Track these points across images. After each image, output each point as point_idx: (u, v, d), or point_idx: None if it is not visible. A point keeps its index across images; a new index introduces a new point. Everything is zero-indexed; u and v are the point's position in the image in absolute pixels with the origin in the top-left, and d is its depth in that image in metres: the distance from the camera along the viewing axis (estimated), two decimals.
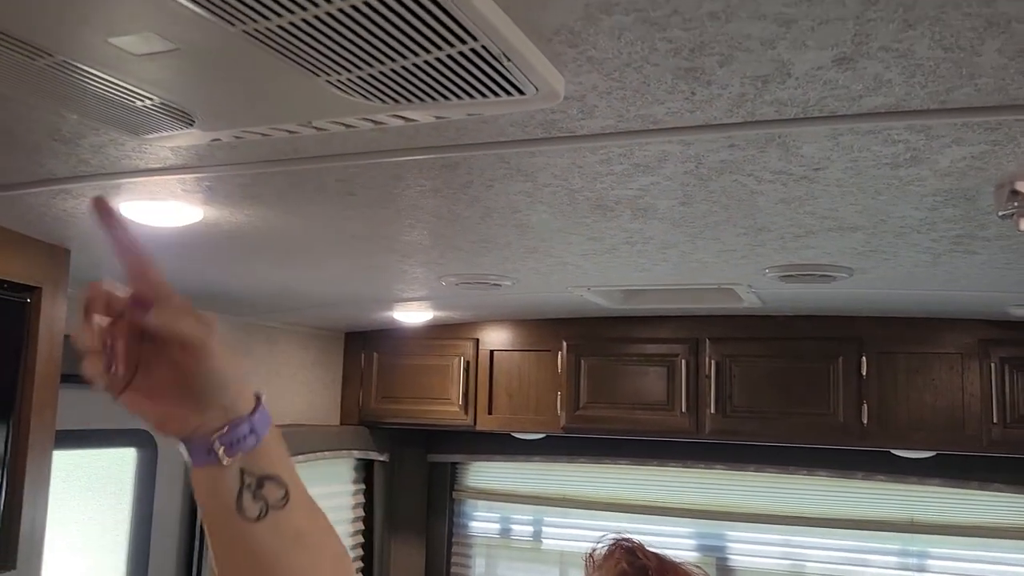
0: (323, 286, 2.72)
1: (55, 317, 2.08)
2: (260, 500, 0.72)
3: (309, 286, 2.71)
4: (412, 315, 3.33)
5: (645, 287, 2.63)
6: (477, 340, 3.57)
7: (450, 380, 3.57)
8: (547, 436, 3.56)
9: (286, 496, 0.73)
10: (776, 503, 3.38)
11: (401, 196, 1.60)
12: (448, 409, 3.55)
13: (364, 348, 3.76)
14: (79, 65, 0.92)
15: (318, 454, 3.46)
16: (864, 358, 2.94)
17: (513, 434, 3.61)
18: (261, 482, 0.72)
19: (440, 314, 3.35)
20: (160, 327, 0.68)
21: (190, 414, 0.71)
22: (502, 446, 3.76)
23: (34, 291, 2.03)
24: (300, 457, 3.34)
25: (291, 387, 3.56)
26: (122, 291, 0.70)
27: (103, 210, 0.71)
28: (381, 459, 3.85)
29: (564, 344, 3.38)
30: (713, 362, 3.12)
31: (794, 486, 3.35)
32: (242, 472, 0.72)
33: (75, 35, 0.85)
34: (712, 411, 3.09)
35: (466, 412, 3.52)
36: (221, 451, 0.71)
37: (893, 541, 3.23)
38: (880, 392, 2.91)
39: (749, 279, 2.34)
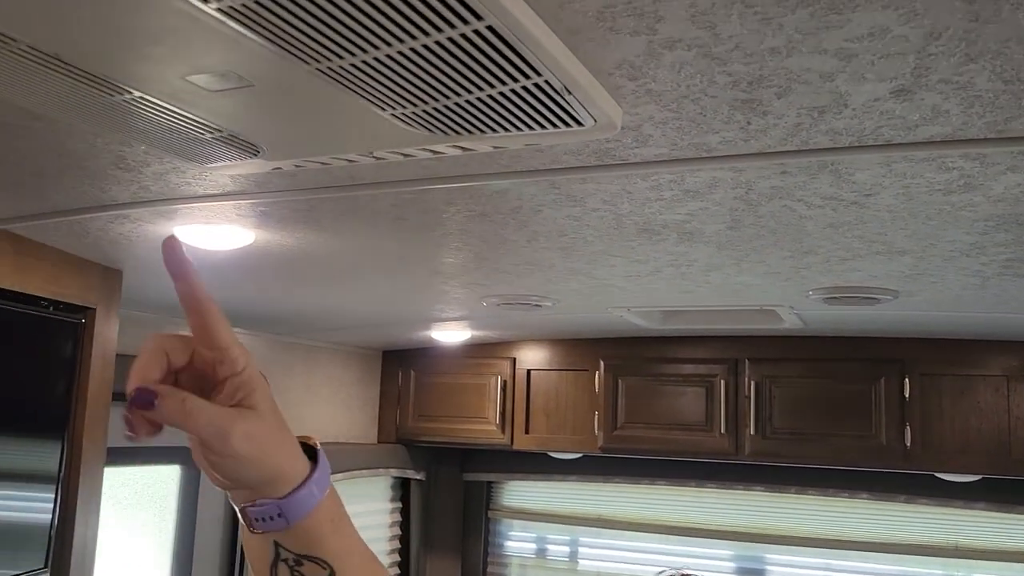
0: (366, 306, 2.76)
1: (108, 337, 2.13)
2: (299, 571, 0.68)
3: (352, 306, 2.75)
4: (450, 334, 3.36)
5: (686, 308, 2.63)
6: (514, 359, 3.58)
7: (487, 399, 3.58)
8: (584, 456, 3.56)
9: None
10: (817, 526, 3.35)
11: (451, 220, 1.62)
12: (485, 428, 3.57)
13: (401, 367, 3.80)
14: (156, 101, 0.96)
15: (356, 472, 3.49)
16: (907, 380, 2.91)
17: (549, 453, 3.62)
18: (300, 560, 0.68)
19: (478, 333, 3.37)
20: (167, 421, 0.62)
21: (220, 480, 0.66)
22: (538, 465, 3.76)
23: (88, 312, 2.08)
24: (339, 475, 3.37)
25: (331, 405, 3.59)
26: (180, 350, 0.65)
27: (176, 259, 0.65)
28: (418, 477, 3.87)
29: (602, 364, 3.39)
30: (753, 383, 3.10)
31: (835, 509, 3.32)
32: (277, 545, 0.68)
33: (155, 74, 0.89)
34: (752, 432, 3.08)
35: (503, 431, 3.53)
36: (248, 522, 0.67)
37: (936, 566, 3.18)
38: (924, 414, 2.88)
39: (792, 301, 2.34)
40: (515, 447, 3.53)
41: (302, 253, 1.94)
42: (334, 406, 3.62)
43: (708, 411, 3.17)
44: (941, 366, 2.89)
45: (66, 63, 0.87)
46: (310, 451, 0.69)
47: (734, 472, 3.39)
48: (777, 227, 1.56)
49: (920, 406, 2.89)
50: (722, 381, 3.16)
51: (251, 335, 3.17)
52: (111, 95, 0.95)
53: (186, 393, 0.63)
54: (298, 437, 0.69)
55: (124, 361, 2.42)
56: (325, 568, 0.68)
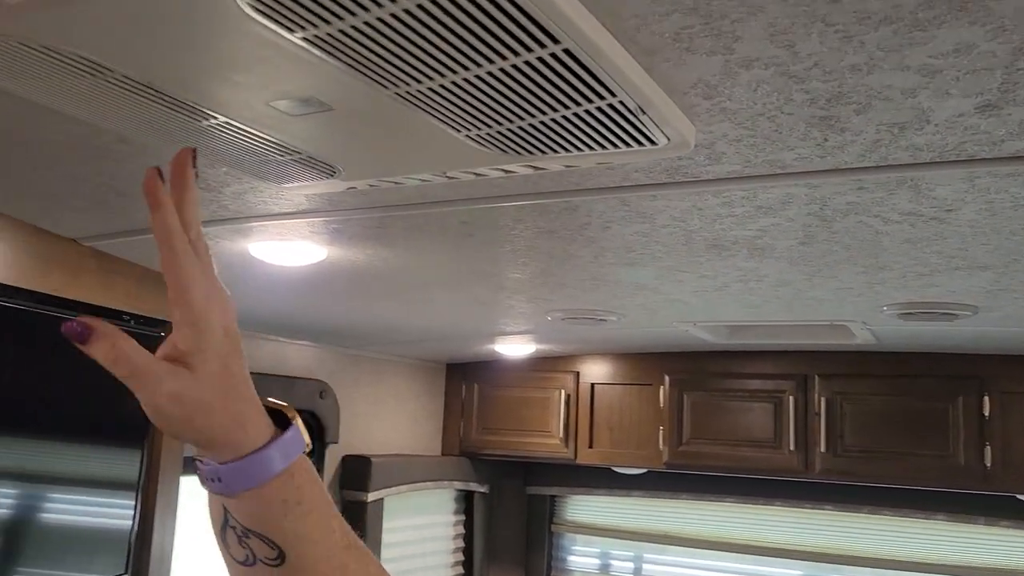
0: (431, 320, 2.79)
1: None
2: (246, 548, 0.65)
3: (418, 320, 2.78)
4: (514, 348, 3.37)
5: (753, 323, 2.59)
6: (577, 373, 3.57)
7: (550, 413, 3.58)
8: (648, 471, 3.52)
9: (280, 559, 0.64)
10: (891, 547, 3.25)
11: (519, 237, 1.63)
12: (548, 442, 3.56)
13: (465, 380, 3.82)
14: (239, 125, 0.99)
15: (420, 484, 3.52)
16: (987, 397, 2.81)
17: (613, 468, 3.59)
18: (247, 533, 0.64)
19: (541, 347, 3.37)
20: (95, 358, 0.59)
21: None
22: (602, 480, 3.74)
23: (164, 325, 2.15)
24: (404, 487, 3.41)
25: (396, 417, 3.63)
26: None
27: (153, 188, 0.60)
28: (481, 490, 3.88)
29: (666, 378, 3.35)
30: (823, 399, 3.04)
31: (910, 530, 3.22)
32: (226, 511, 0.65)
33: (241, 100, 0.92)
34: (822, 450, 3.01)
35: (566, 445, 3.52)
36: (199, 477, 0.64)
37: None
38: (1004, 434, 2.78)
39: (865, 316, 2.28)
40: (579, 461, 3.52)
41: (371, 268, 1.98)
42: (399, 418, 3.65)
43: (776, 427, 3.12)
44: (1023, 384, 2.79)
45: (157, 91, 0.90)
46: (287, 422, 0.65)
47: (803, 490, 3.32)
48: (852, 243, 1.53)
49: (1001, 425, 2.79)
50: (791, 397, 3.10)
51: (318, 348, 3.22)
52: (198, 120, 0.98)
53: (122, 336, 0.60)
54: (275, 406, 0.66)
55: None
56: (273, 549, 0.64)
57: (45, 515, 1.85)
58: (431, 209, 1.45)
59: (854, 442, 2.98)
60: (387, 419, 3.58)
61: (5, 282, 1.60)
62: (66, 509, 1.93)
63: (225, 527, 0.65)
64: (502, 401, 3.70)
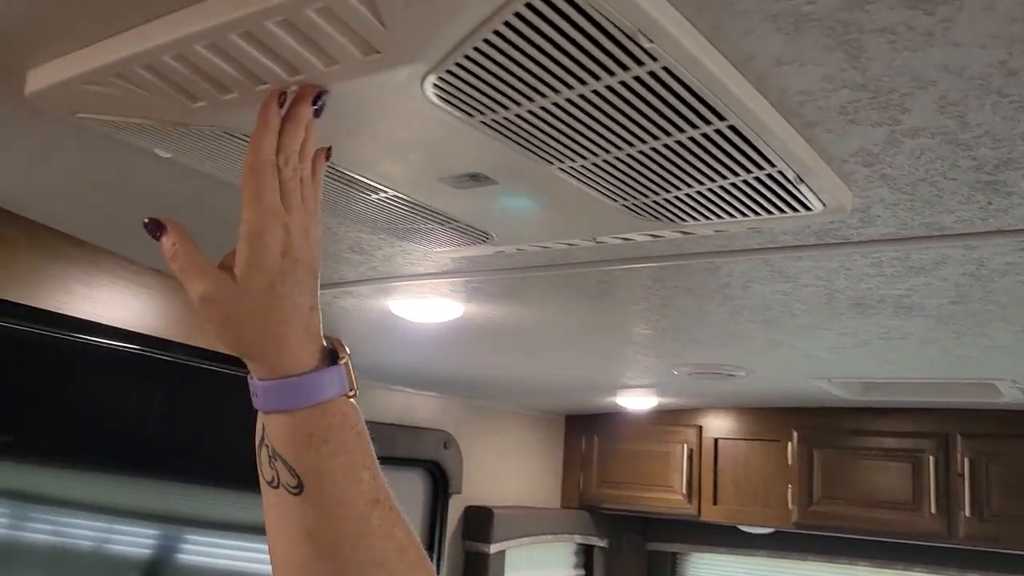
0: (556, 373, 2.81)
1: None
2: (274, 469, 0.66)
3: (543, 373, 2.81)
4: (635, 401, 3.35)
5: (891, 380, 2.50)
6: (700, 427, 3.51)
7: (673, 467, 3.52)
8: (776, 531, 3.41)
9: (299, 488, 0.65)
10: None
11: (655, 295, 1.64)
12: (671, 497, 3.50)
13: (585, 432, 3.81)
14: (406, 197, 1.04)
15: (540, 537, 3.51)
16: None
17: (739, 527, 3.49)
18: (275, 454, 0.66)
19: (663, 400, 3.34)
20: (163, 253, 0.67)
21: None
22: (727, 538, 3.64)
23: None
24: (525, 539, 3.41)
25: (517, 469, 3.65)
26: None
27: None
28: (601, 544, 3.84)
29: (794, 434, 3.26)
30: (967, 459, 2.88)
31: None
32: (263, 427, 0.67)
33: (412, 175, 0.98)
34: (967, 514, 2.85)
35: (690, 501, 3.45)
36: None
37: None
38: None
39: (1015, 375, 2.17)
40: (702, 518, 3.44)
41: (504, 324, 2.02)
42: (520, 470, 3.67)
43: (915, 489, 2.97)
44: None
45: (333, 167, 0.97)
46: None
47: (947, 556, 3.13)
48: (1008, 302, 1.47)
49: None
50: (931, 457, 2.95)
51: (443, 398, 3.29)
52: (368, 195, 1.05)
53: (184, 237, 0.66)
54: (333, 343, 0.68)
55: None
56: (294, 477, 0.65)
57: (185, 556, 1.94)
58: (572, 270, 1.48)
59: (1002, 507, 2.81)
60: (508, 470, 3.60)
61: (159, 335, 1.71)
62: (205, 551, 2.02)
63: (261, 444, 0.68)
64: (622, 454, 3.67)
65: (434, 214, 1.11)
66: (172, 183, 1.18)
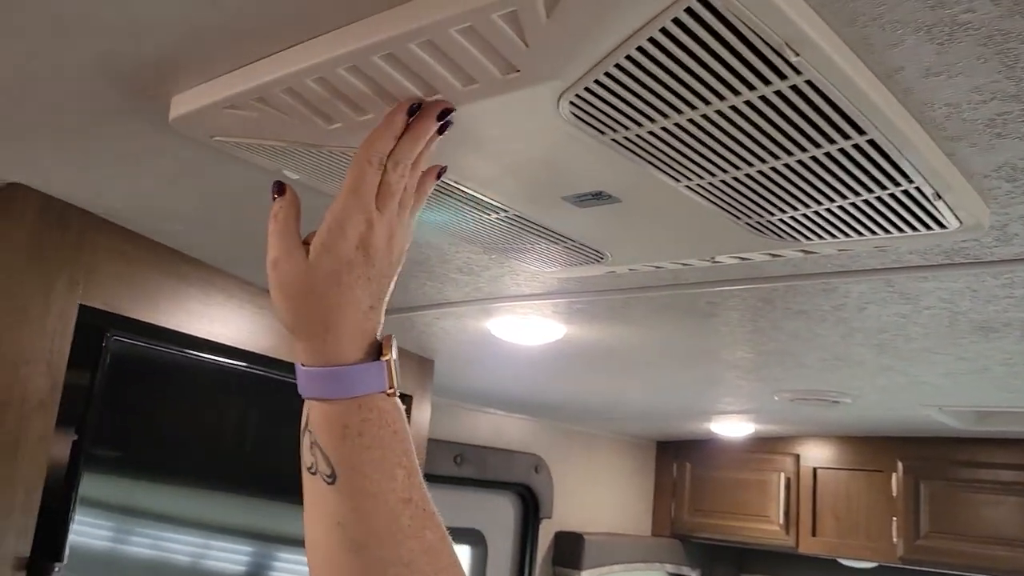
0: (650, 396, 2.77)
1: (421, 423, 2.30)
2: (314, 456, 0.67)
3: (637, 396, 2.77)
4: (731, 427, 3.27)
5: (1010, 409, 2.38)
6: (797, 456, 3.41)
7: (769, 497, 3.42)
8: (880, 566, 3.27)
9: (333, 477, 0.66)
10: None
11: (765, 317, 1.61)
12: (767, 528, 3.40)
13: (677, 458, 3.74)
14: (528, 219, 1.05)
15: (630, 565, 3.45)
16: None
17: (840, 560, 3.36)
18: (314, 441, 0.67)
19: (760, 427, 3.26)
20: (270, 213, 0.71)
21: None
22: (827, 572, 3.51)
23: (407, 399, 2.27)
24: (616, 567, 3.36)
25: (607, 495, 3.61)
26: None
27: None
28: (693, 575, 3.75)
29: (899, 465, 3.13)
30: None
31: None
32: (307, 412, 0.68)
33: (536, 195, 0.98)
34: None
35: (787, 532, 3.35)
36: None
37: None
38: None
39: None
40: (800, 550, 3.33)
41: (604, 346, 2.00)
42: (610, 495, 3.62)
43: None
44: None
45: (455, 185, 0.98)
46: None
47: None
48: None
49: None
50: None
51: (533, 421, 3.28)
52: (488, 214, 1.05)
53: (290, 208, 0.70)
54: (384, 340, 0.68)
55: (435, 445, 2.61)
56: (329, 467, 0.66)
57: (277, 574, 1.96)
58: (681, 290, 1.46)
59: None
60: (598, 496, 3.56)
61: (269, 354, 1.75)
62: (296, 569, 2.04)
63: (304, 429, 0.68)
64: (716, 482, 3.58)
65: (551, 233, 1.10)
66: None
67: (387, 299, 0.71)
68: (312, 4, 0.71)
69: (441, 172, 0.79)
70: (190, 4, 0.73)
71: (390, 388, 0.68)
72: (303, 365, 0.68)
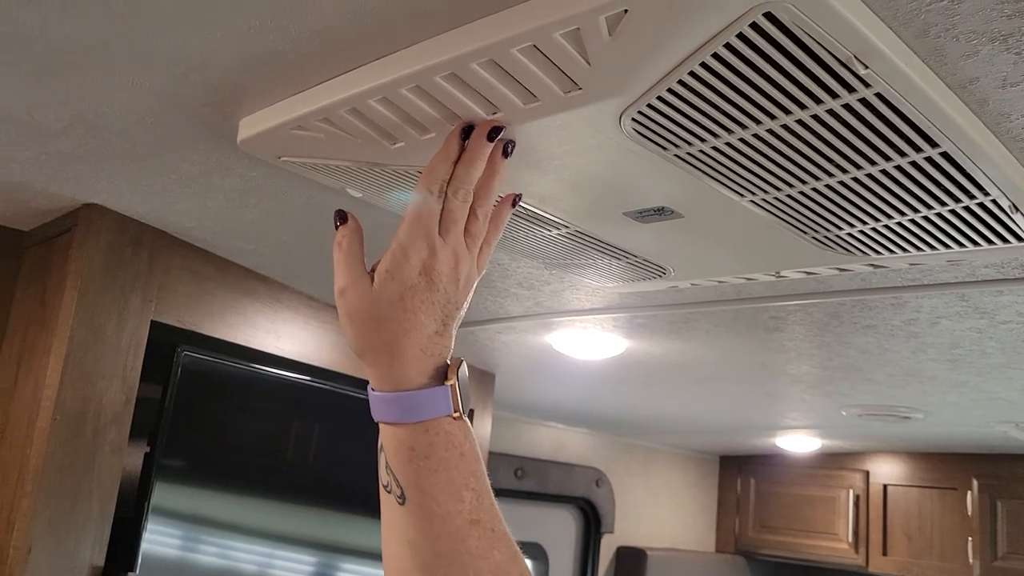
0: (712, 411, 2.73)
1: (482, 435, 2.30)
2: (389, 475, 0.69)
3: (699, 410, 2.73)
4: (796, 442, 3.20)
5: None
6: (867, 472, 3.32)
7: (837, 514, 3.34)
8: None
9: (403, 498, 0.67)
10: None
11: (831, 332, 1.57)
12: (835, 546, 3.32)
13: (741, 473, 3.68)
14: (589, 235, 1.04)
15: None
16: None
17: None
18: (387, 461, 0.69)
19: (827, 442, 3.18)
20: (334, 241, 0.73)
21: None
22: None
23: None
24: None
25: (668, 509, 3.56)
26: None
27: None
28: None
29: (974, 483, 3.02)
30: None
31: None
32: (380, 432, 0.70)
33: (598, 210, 0.97)
34: None
35: (856, 551, 3.26)
36: None
37: None
38: None
39: None
40: (871, 570, 3.23)
41: (665, 360, 1.98)
42: (671, 511, 3.58)
43: None
44: None
45: (522, 204, 0.98)
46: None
47: None
48: None
49: None
50: None
51: (593, 435, 3.26)
52: (549, 230, 1.05)
53: (353, 235, 0.72)
54: (452, 362, 0.69)
55: (496, 459, 2.61)
56: (399, 488, 0.67)
57: None
58: (745, 305, 1.44)
59: None
60: (659, 510, 3.52)
61: (332, 368, 1.78)
62: None
63: (380, 449, 0.70)
64: (782, 498, 3.51)
65: (612, 249, 1.10)
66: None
67: (455, 325, 0.71)
68: (375, 27, 0.72)
69: (516, 200, 0.79)
70: (256, 31, 0.75)
71: (455, 412, 0.68)
72: (373, 389, 0.70)
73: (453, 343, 0.71)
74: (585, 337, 1.84)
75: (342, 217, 0.74)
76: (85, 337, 1.29)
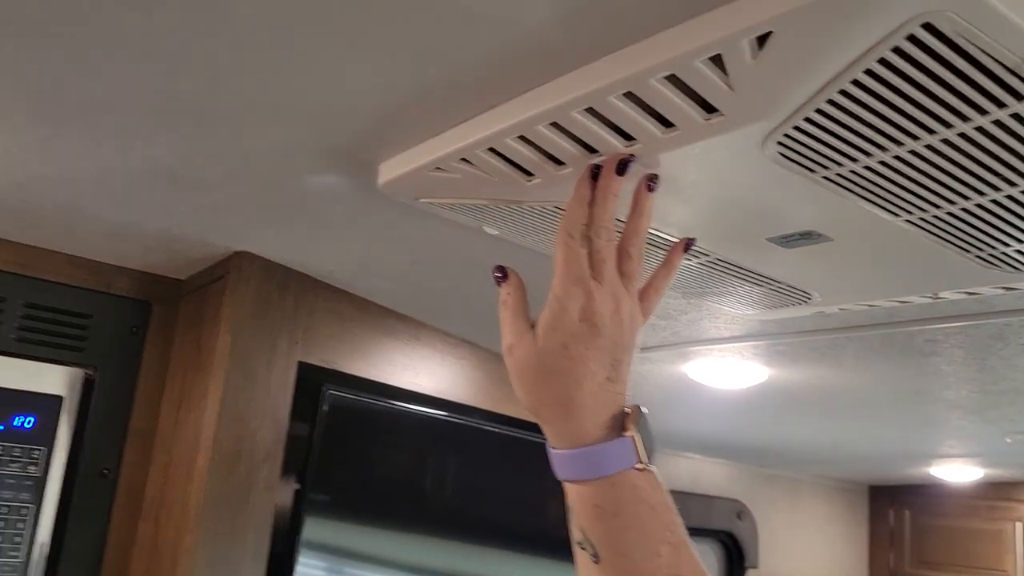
0: (860, 440, 2.59)
1: None
2: (580, 533, 0.66)
3: (846, 439, 2.60)
4: (955, 471, 3.00)
5: None
6: None
7: (1004, 548, 3.10)
8: None
9: (596, 556, 0.64)
10: None
11: (994, 355, 1.47)
12: None
13: (894, 505, 3.47)
14: (729, 262, 1.02)
15: None
16: None
17: None
18: (576, 519, 0.66)
19: (990, 471, 2.96)
20: (499, 298, 0.72)
21: None
22: None
23: None
24: None
25: (814, 543, 3.40)
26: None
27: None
28: None
29: None
30: None
31: None
32: (567, 493, 0.68)
33: (740, 237, 0.95)
34: None
35: None
36: None
37: None
38: None
39: None
40: None
41: (809, 388, 1.90)
42: (818, 544, 3.41)
43: None
44: None
45: (661, 235, 0.97)
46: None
47: None
48: None
49: None
50: None
51: (732, 465, 3.16)
52: (689, 259, 1.03)
53: (517, 291, 0.72)
54: (630, 409, 0.66)
55: None
56: (588, 545, 0.65)
57: None
58: (898, 329, 1.36)
59: None
60: (805, 544, 3.36)
61: (470, 403, 1.79)
62: None
63: (568, 508, 0.67)
64: (941, 532, 3.29)
65: (754, 276, 1.06)
66: (493, 258, 1.24)
67: (627, 370, 0.69)
68: (511, 67, 0.73)
69: (689, 245, 0.78)
70: (396, 80, 0.77)
71: (639, 463, 0.65)
72: (552, 448, 0.68)
73: (627, 389, 0.69)
74: (723, 366, 1.79)
75: (503, 273, 0.73)
76: (238, 380, 1.36)
